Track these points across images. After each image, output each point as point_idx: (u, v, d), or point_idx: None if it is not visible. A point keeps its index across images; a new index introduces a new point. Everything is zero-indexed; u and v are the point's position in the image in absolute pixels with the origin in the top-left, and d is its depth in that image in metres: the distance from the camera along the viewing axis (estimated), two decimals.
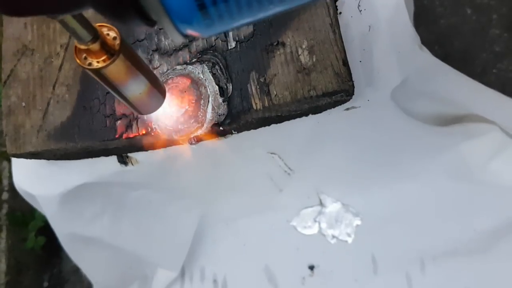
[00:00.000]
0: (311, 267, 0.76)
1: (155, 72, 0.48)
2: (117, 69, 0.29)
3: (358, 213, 0.74)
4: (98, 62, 0.28)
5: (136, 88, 0.33)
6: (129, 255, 0.74)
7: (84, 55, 0.29)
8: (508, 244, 0.67)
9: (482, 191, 0.67)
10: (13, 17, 0.19)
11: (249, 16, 0.19)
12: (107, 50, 0.28)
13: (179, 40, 0.21)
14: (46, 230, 1.18)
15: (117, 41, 0.29)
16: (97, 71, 0.29)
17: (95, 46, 0.28)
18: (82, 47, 0.28)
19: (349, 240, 0.74)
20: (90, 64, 0.29)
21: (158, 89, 0.36)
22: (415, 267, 0.70)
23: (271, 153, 0.63)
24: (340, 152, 0.62)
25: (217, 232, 0.77)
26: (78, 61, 0.29)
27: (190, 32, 0.20)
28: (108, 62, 0.28)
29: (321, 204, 0.75)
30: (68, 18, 0.24)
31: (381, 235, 0.72)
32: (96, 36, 0.27)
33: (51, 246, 1.26)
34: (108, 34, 0.29)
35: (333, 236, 0.75)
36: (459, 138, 0.63)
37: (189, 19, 0.18)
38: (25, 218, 1.26)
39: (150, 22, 0.19)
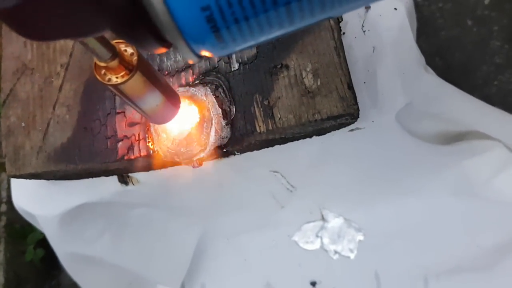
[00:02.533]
0: (313, 283, 0.75)
1: None
2: (135, 84, 0.31)
3: (360, 229, 0.73)
4: (117, 77, 0.30)
5: (153, 101, 0.34)
6: (129, 272, 0.73)
7: (104, 71, 0.30)
8: None
9: (486, 207, 0.66)
10: (38, 41, 0.20)
11: (261, 37, 0.20)
12: (125, 66, 0.30)
13: (194, 60, 0.21)
14: (45, 242, 1.17)
15: (135, 57, 0.30)
16: (116, 86, 0.30)
17: (114, 63, 0.29)
18: (101, 64, 0.29)
19: (352, 256, 0.74)
20: (109, 79, 0.30)
21: (173, 101, 0.37)
22: (418, 284, 0.70)
23: (274, 172, 0.62)
24: (343, 171, 0.62)
25: (218, 248, 0.77)
26: (98, 77, 0.30)
27: (204, 52, 0.20)
28: (126, 77, 0.30)
29: (323, 219, 0.75)
30: (89, 38, 0.26)
31: (384, 251, 0.71)
32: (114, 53, 0.28)
33: (50, 258, 1.24)
34: (125, 50, 0.30)
35: (336, 252, 0.75)
36: (463, 155, 0.62)
37: (203, 41, 0.19)
38: (24, 231, 1.25)
39: (166, 44, 0.20)
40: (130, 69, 0.30)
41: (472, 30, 1.10)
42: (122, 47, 0.30)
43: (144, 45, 0.20)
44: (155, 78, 0.33)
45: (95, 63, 0.29)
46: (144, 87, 0.32)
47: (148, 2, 0.17)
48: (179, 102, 0.39)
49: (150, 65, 0.33)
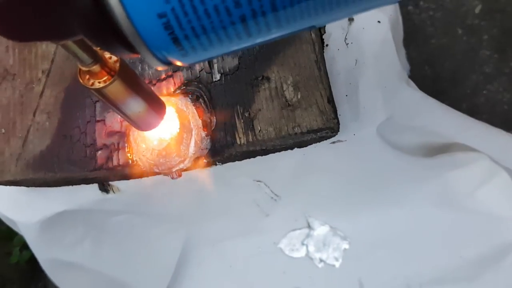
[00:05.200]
0: None
1: None
2: (116, 89, 0.32)
3: (346, 237, 0.73)
4: (99, 82, 0.31)
5: (135, 107, 0.35)
6: (112, 279, 0.73)
7: (87, 76, 0.31)
8: (495, 272, 0.66)
9: (469, 219, 0.66)
10: (12, 41, 0.22)
11: (221, 48, 0.21)
12: (108, 71, 0.31)
13: (159, 67, 0.22)
14: None
15: (117, 64, 0.32)
16: (98, 91, 0.31)
17: (96, 68, 0.30)
18: (84, 68, 0.30)
19: (337, 264, 0.74)
20: (92, 84, 0.31)
21: (157, 109, 0.38)
22: None
23: (257, 181, 0.62)
24: (326, 181, 0.62)
25: (203, 254, 0.76)
26: (81, 81, 0.31)
27: (169, 59, 0.21)
28: (108, 82, 0.31)
29: (309, 226, 0.75)
30: (69, 43, 0.27)
31: (369, 260, 0.71)
32: (96, 58, 0.30)
33: (36, 261, 1.23)
34: (110, 58, 0.32)
35: (321, 260, 0.75)
36: (447, 167, 0.62)
37: (164, 49, 0.20)
38: (10, 232, 1.23)
39: (134, 50, 0.20)
40: (112, 74, 0.31)
41: (462, 39, 1.10)
42: (107, 54, 0.31)
43: (114, 51, 0.21)
44: (137, 85, 0.34)
45: (79, 68, 0.31)
46: (126, 92, 0.33)
47: (110, 9, 0.18)
48: (164, 110, 0.40)
49: (133, 73, 0.34)
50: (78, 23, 0.19)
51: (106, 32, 0.19)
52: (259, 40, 0.21)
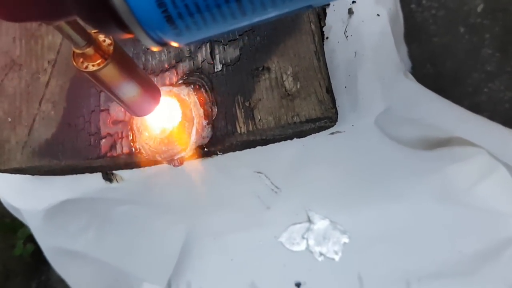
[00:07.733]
0: (298, 284, 0.75)
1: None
2: (110, 72, 0.32)
3: (345, 231, 0.74)
4: (93, 65, 0.31)
5: (129, 91, 0.35)
6: (115, 269, 0.74)
7: (81, 59, 0.31)
8: (493, 267, 0.67)
9: (468, 213, 0.67)
10: (9, 21, 0.22)
11: (216, 27, 0.20)
12: (102, 54, 0.31)
13: (154, 47, 0.22)
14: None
15: (111, 47, 0.31)
16: (92, 74, 0.31)
17: (90, 51, 0.30)
18: (78, 51, 0.30)
19: (336, 258, 0.74)
20: (86, 67, 0.31)
21: (152, 94, 0.38)
22: (400, 287, 0.70)
23: (258, 172, 0.63)
24: (326, 173, 0.62)
25: (205, 247, 0.77)
26: (75, 64, 0.31)
27: (164, 39, 0.21)
28: (102, 65, 0.31)
29: (309, 220, 0.75)
30: (63, 24, 0.27)
31: (368, 254, 0.72)
32: (90, 41, 0.30)
33: (39, 253, 1.24)
34: (104, 41, 0.32)
35: (321, 254, 0.75)
36: (446, 161, 0.63)
37: (158, 28, 0.20)
38: (15, 225, 1.25)
39: (129, 30, 0.20)
40: (105, 57, 0.31)
41: (464, 37, 1.10)
42: (101, 37, 0.32)
43: (108, 31, 0.21)
44: (131, 69, 0.34)
45: (74, 51, 0.31)
46: (120, 76, 0.33)
47: None
48: (159, 95, 0.40)
49: (128, 56, 0.34)
50: (72, 2, 0.19)
51: (100, 11, 0.19)
52: (254, 19, 0.20)
